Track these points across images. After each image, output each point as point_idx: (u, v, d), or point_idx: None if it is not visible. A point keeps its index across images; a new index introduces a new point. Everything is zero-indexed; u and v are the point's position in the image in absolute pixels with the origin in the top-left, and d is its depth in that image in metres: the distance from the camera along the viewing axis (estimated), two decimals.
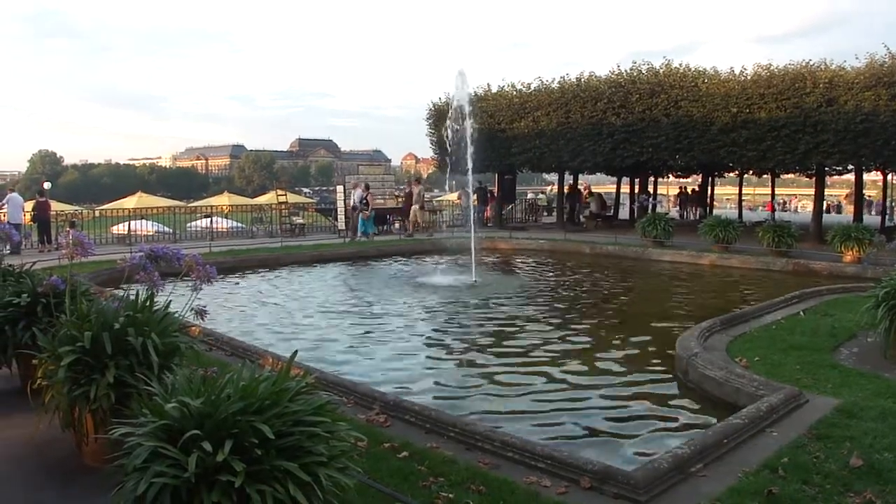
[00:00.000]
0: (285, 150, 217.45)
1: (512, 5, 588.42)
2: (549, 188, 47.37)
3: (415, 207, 31.73)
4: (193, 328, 6.82)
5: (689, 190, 48.62)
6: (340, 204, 32.26)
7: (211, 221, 32.35)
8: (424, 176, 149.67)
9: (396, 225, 34.05)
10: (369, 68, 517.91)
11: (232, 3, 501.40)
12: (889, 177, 40.75)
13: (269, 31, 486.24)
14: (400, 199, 39.16)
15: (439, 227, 33.74)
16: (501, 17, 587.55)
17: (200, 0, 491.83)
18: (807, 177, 36.84)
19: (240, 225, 35.46)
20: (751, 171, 38.17)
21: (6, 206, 25.39)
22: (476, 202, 35.16)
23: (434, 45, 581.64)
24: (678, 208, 47.67)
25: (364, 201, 29.55)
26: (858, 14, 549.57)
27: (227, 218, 36.47)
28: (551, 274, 21.72)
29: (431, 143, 39.54)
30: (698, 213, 41.87)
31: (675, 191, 57.21)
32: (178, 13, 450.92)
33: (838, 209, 59.81)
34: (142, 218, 32.03)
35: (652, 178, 41.72)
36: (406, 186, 33.56)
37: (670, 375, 9.87)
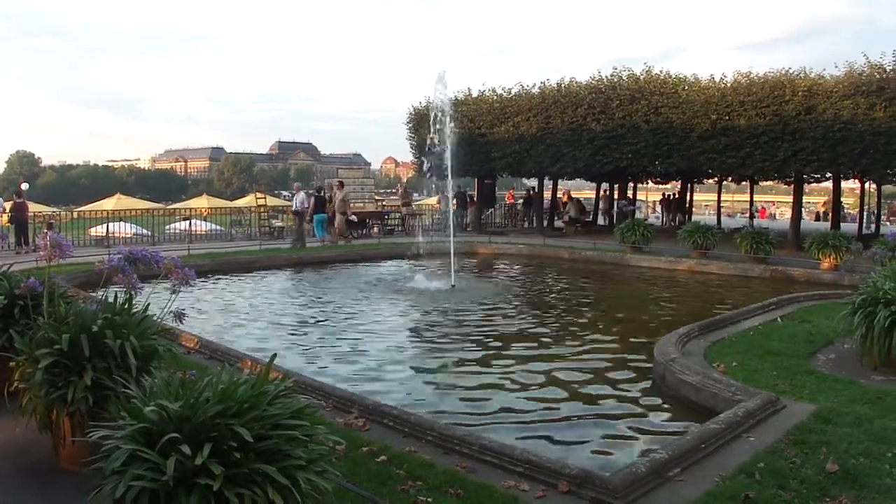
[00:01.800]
0: (265, 152, 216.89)
1: (494, 11, 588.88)
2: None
3: (339, 215, 29.79)
4: (172, 331, 6.80)
5: (669, 196, 48.79)
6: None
7: (190, 224, 32.30)
8: (404, 179, 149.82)
9: (375, 229, 33.97)
10: (351, 72, 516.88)
11: (215, 6, 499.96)
12: (867, 185, 40.99)
13: (251, 34, 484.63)
14: (382, 204, 39.17)
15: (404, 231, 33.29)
16: (484, 22, 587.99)
17: (183, 2, 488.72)
18: (785, 184, 37.04)
19: (219, 228, 35.36)
20: (730, 178, 38.34)
21: None
22: (456, 206, 35.11)
23: (416, 49, 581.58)
24: (656, 214, 47.76)
25: (304, 206, 28.86)
26: (839, 23, 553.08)
27: (205, 220, 36.38)
28: (530, 279, 21.76)
29: (411, 147, 39.56)
30: (678, 219, 41.97)
31: (654, 196, 57.47)
32: (159, 15, 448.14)
33: (825, 216, 60.00)
34: (120, 220, 31.86)
35: (631, 184, 41.89)
36: (327, 191, 31.67)
37: (648, 380, 9.90)
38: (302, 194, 28.95)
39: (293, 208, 29.46)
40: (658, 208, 52.10)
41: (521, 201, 44.00)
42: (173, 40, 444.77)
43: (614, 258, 24.58)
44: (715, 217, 45.02)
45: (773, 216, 69.83)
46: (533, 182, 41.95)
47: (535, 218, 39.08)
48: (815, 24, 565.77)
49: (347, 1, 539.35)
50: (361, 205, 34.16)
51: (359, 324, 14.23)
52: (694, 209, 45.41)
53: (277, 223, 34.24)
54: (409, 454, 6.16)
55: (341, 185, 30.80)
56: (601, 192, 45.01)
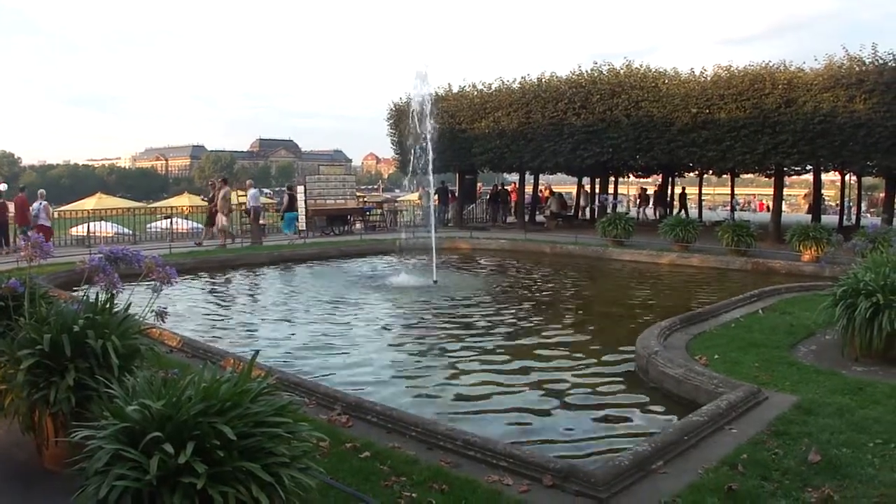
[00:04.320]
0: (246, 150, 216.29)
1: (474, 7, 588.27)
2: (509, 188, 47.24)
3: (220, 215, 26.58)
4: (154, 330, 6.78)
5: (644, 190, 48.81)
6: (301, 204, 32.03)
7: (171, 222, 32.16)
8: (386, 176, 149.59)
9: (357, 225, 33.90)
10: (331, 69, 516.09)
11: (195, 3, 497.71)
12: (847, 177, 41.12)
13: (232, 31, 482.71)
14: (363, 200, 39.04)
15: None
16: (464, 18, 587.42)
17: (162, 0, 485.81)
18: (766, 177, 37.13)
19: (200, 226, 35.20)
20: (711, 171, 38.38)
21: None
22: (437, 202, 35.09)
23: (397, 45, 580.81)
24: (637, 208, 47.66)
25: (253, 203, 27.65)
26: (818, 18, 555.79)
27: (187, 219, 36.19)
28: (512, 274, 21.75)
29: (392, 143, 39.53)
30: (658, 212, 41.94)
31: (635, 190, 57.43)
32: (138, 12, 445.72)
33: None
34: (101, 219, 31.69)
35: (613, 179, 41.90)
36: (210, 189, 29.50)
37: (631, 373, 9.94)
38: (252, 191, 28.33)
39: (248, 205, 28.36)
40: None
41: (486, 198, 43.05)
42: (153, 38, 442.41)
43: (596, 252, 24.65)
44: (696, 210, 45.05)
45: (754, 209, 70.07)
46: (514, 177, 41.82)
47: (502, 213, 39.14)
48: (794, 19, 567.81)
49: None
50: (343, 201, 33.99)
51: (341, 320, 14.23)
52: (674, 202, 45.22)
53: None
54: (392, 450, 6.16)
55: (224, 181, 28.82)
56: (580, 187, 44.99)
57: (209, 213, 28.17)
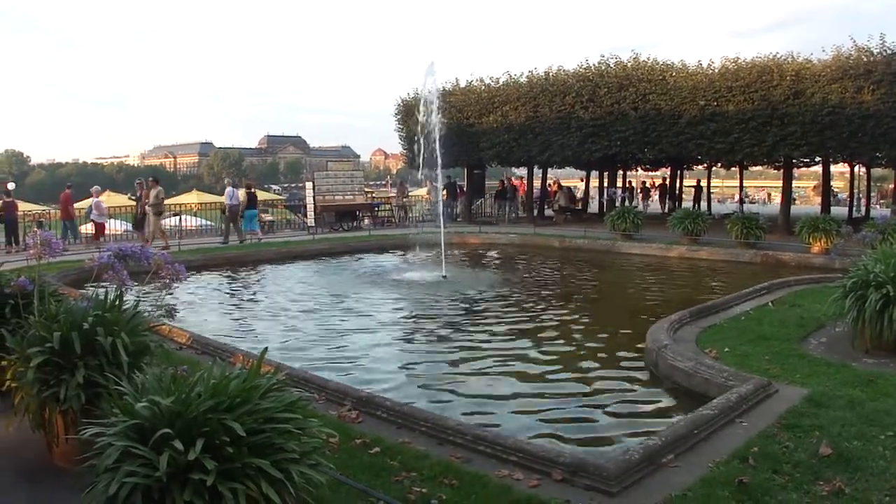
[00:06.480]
0: (254, 146, 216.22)
1: (481, 3, 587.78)
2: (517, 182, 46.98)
3: (153, 217, 25.27)
4: (163, 327, 6.78)
5: (651, 182, 48.67)
6: (310, 200, 32.02)
7: (180, 220, 32.19)
8: (394, 171, 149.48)
9: (366, 221, 33.87)
10: (338, 64, 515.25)
11: (202, 1, 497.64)
12: (856, 168, 41.02)
13: (238, 28, 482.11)
14: (371, 196, 39.03)
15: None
16: (472, 12, 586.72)
17: None
18: (775, 169, 37.02)
19: (209, 223, 35.24)
20: (719, 164, 38.30)
21: None
22: (446, 197, 35.06)
23: (404, 40, 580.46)
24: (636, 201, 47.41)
25: (231, 200, 27.04)
26: (821, 10, 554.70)
27: (195, 216, 36.24)
28: (521, 268, 21.76)
29: (400, 139, 39.52)
30: (667, 205, 41.82)
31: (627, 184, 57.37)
32: (146, 10, 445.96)
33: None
34: (110, 217, 31.72)
35: (621, 172, 41.83)
36: (137, 189, 28.41)
37: (641, 367, 9.92)
38: (229, 189, 27.87)
39: (231, 204, 27.33)
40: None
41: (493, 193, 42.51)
42: (161, 35, 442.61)
43: (605, 246, 24.62)
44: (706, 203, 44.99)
45: (763, 201, 69.95)
46: (522, 171, 41.73)
47: (511, 209, 39.10)
48: (800, 13, 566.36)
49: None
50: (351, 197, 33.97)
51: (350, 315, 14.22)
52: (683, 195, 45.05)
53: (267, 217, 34.16)
54: (402, 445, 6.16)
55: (156, 181, 27.24)
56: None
57: (138, 213, 27.43)
